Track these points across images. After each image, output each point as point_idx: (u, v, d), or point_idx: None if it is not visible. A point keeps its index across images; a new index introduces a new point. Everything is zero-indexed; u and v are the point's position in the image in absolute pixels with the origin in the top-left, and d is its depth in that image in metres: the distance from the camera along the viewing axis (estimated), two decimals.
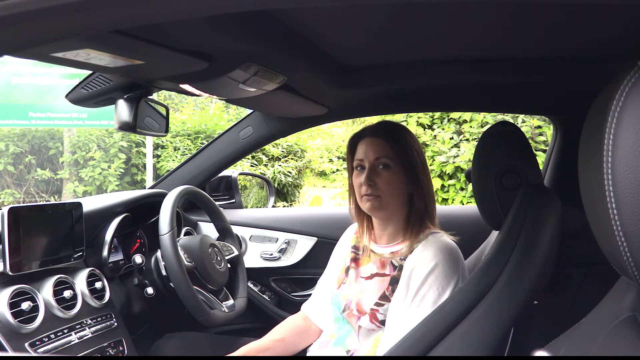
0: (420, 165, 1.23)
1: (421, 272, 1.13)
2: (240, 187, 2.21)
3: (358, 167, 1.25)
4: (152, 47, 0.84)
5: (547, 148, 2.04)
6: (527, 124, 5.04)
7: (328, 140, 9.90)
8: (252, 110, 1.84)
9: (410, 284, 1.14)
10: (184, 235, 1.82)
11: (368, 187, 1.19)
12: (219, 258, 1.57)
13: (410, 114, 5.53)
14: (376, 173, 1.20)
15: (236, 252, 1.71)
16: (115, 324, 1.40)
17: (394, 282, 1.17)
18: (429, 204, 1.23)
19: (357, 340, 1.22)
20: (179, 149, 7.12)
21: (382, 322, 1.17)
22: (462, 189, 5.25)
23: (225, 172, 2.09)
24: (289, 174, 7.27)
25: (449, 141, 5.38)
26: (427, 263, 1.13)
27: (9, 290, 1.17)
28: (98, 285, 1.40)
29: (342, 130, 10.24)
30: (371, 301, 1.19)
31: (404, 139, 1.22)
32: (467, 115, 5.35)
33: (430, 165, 5.20)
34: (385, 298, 1.17)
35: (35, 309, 1.21)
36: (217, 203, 1.72)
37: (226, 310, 1.52)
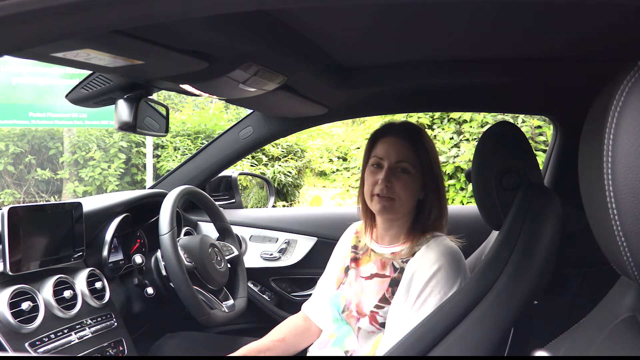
0: (437, 174, 1.21)
1: (423, 275, 1.12)
2: (240, 187, 2.21)
3: (374, 165, 1.21)
4: (152, 47, 0.84)
5: (547, 148, 2.03)
6: (527, 124, 5.03)
7: (328, 140, 9.90)
8: (252, 110, 1.84)
9: (411, 288, 1.14)
10: (184, 235, 1.82)
11: (384, 188, 1.17)
12: (219, 258, 1.57)
13: (410, 114, 5.53)
14: (395, 175, 1.18)
15: (236, 252, 1.71)
16: (115, 324, 1.40)
17: (394, 284, 1.17)
18: (440, 212, 1.21)
19: (357, 342, 1.22)
20: (179, 149, 7.12)
21: (382, 325, 1.16)
22: (462, 189, 5.25)
23: (225, 172, 2.09)
24: (289, 174, 7.26)
25: (449, 141, 5.37)
26: (429, 267, 1.13)
27: (9, 290, 1.17)
28: (98, 285, 1.39)
29: (342, 130, 10.24)
30: (371, 303, 1.18)
31: (427, 145, 1.20)
32: (467, 115, 5.34)
33: None
34: (385, 300, 1.17)
35: (35, 309, 1.21)
36: (217, 203, 1.72)
37: (226, 310, 1.52)
